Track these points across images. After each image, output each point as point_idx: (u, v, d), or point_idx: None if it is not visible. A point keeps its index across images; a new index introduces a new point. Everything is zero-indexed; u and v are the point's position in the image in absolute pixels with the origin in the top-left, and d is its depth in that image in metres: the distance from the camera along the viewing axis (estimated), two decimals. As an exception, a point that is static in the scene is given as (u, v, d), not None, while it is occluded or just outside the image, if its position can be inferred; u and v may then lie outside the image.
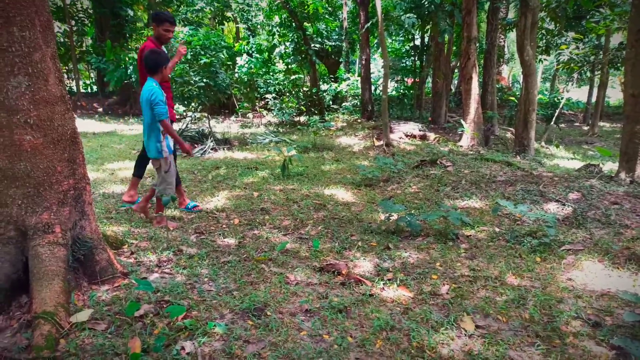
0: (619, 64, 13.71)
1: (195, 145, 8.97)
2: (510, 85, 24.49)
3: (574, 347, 2.41)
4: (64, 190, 2.80)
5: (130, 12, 16.85)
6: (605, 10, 9.45)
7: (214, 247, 3.78)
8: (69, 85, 20.78)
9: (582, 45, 12.52)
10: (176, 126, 11.76)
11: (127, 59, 15.22)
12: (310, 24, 14.74)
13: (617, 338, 2.41)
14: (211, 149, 8.65)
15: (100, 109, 16.65)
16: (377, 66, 21.08)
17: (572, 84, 15.68)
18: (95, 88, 21.57)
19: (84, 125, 12.68)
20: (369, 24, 12.61)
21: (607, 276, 3.23)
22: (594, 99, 17.25)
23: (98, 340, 2.35)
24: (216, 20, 19.94)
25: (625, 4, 8.47)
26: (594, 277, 3.22)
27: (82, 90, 20.52)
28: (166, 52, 4.65)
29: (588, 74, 15.95)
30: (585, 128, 16.99)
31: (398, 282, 3.18)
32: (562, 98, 14.34)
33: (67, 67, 20.03)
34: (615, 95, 26.41)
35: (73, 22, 17.94)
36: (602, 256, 3.52)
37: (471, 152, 8.24)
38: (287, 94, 15.29)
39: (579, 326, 2.61)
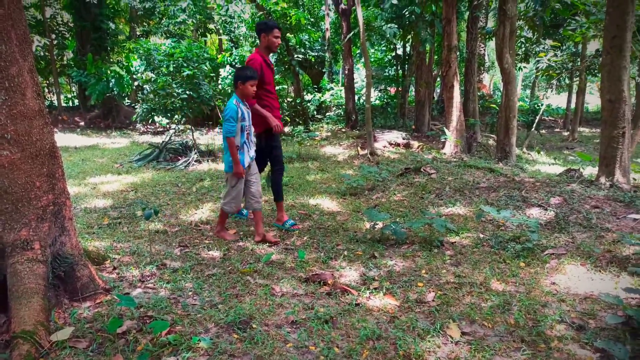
0: (595, 71, 14.02)
1: (179, 157, 8.91)
2: (492, 92, 24.84)
3: (559, 351, 2.42)
4: (43, 206, 2.75)
5: (112, 25, 16.75)
6: (581, 18, 9.68)
7: (198, 260, 3.74)
8: (49, 99, 20.55)
9: (560, 52, 12.77)
10: (159, 139, 11.69)
11: (108, 72, 15.11)
12: (292, 35, 14.81)
13: (600, 341, 2.44)
14: (195, 161, 8.60)
15: (82, 123, 16.46)
16: (360, 76, 21.24)
17: (552, 91, 15.97)
18: (76, 102, 21.33)
19: (66, 139, 12.52)
20: (351, 34, 12.72)
21: (589, 279, 3.27)
22: (573, 105, 17.57)
23: (79, 358, 2.30)
24: (199, 32, 19.93)
25: (600, 12, 8.67)
26: (577, 281, 3.25)
27: (64, 104, 20.27)
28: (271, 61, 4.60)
29: (567, 80, 16.27)
30: (565, 133, 17.27)
31: (384, 290, 3.18)
32: (542, 105, 14.58)
33: (47, 81, 19.82)
34: (593, 101, 26.97)
35: (53, 36, 17.77)
36: (585, 260, 3.56)
37: (454, 159, 8.31)
38: (271, 104, 15.28)
39: (564, 330, 2.63)
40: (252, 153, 4.24)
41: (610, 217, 4.48)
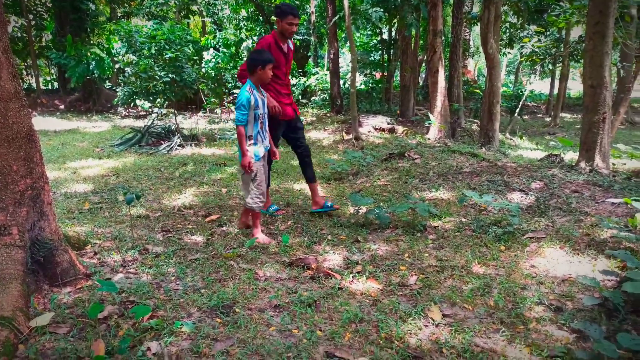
0: (578, 57, 14.13)
1: (162, 142, 8.81)
2: (476, 78, 24.94)
3: (537, 332, 2.47)
4: (21, 190, 2.70)
5: (92, 6, 16.33)
6: (565, 4, 9.71)
7: (181, 245, 3.72)
8: (28, 81, 20.07)
9: (543, 38, 12.84)
10: (141, 123, 11.53)
11: (89, 54, 14.78)
12: (277, 18, 14.63)
13: (577, 322, 2.49)
14: (178, 146, 8.51)
15: (62, 106, 16.14)
16: (345, 60, 21.14)
17: (535, 77, 16.10)
18: (56, 84, 20.88)
19: (45, 123, 12.28)
20: (336, 18, 12.60)
21: (568, 262, 3.33)
22: (555, 91, 17.75)
23: (59, 344, 2.28)
24: (181, 14, 19.56)
25: (583, -2, 8.71)
26: (555, 264, 3.31)
27: (42, 87, 19.84)
28: (291, 46, 4.40)
29: (550, 66, 16.40)
30: (548, 119, 17.46)
31: (367, 274, 3.20)
32: (525, 90, 14.69)
33: (25, 63, 19.35)
34: (575, 87, 27.23)
35: (31, 16, 17.29)
36: (564, 243, 3.62)
37: (438, 144, 8.36)
38: (256, 88, 15.14)
39: (542, 311, 2.68)
40: (267, 143, 3.97)
41: (589, 201, 4.56)
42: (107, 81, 18.08)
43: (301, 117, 12.53)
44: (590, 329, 2.27)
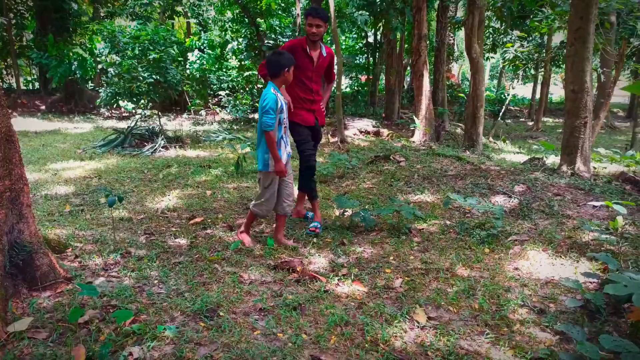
0: (560, 62, 14.37)
1: (145, 143, 8.71)
2: (460, 82, 25.20)
3: (521, 334, 2.49)
4: (-1, 192, 2.63)
5: (75, 6, 16.10)
6: (547, 9, 9.87)
7: (164, 248, 3.67)
8: (8, 81, 19.69)
9: (526, 43, 13.03)
10: (124, 124, 11.39)
11: (71, 54, 14.56)
12: (263, 20, 14.60)
13: (560, 324, 2.52)
14: (162, 147, 8.41)
15: (43, 107, 15.86)
16: (330, 63, 21.15)
17: (518, 81, 16.33)
18: (37, 85, 20.52)
19: (25, 123, 12.05)
20: (322, 21, 12.61)
21: (550, 265, 3.37)
22: (538, 96, 18.01)
23: (39, 349, 2.23)
24: (166, 15, 19.38)
25: (565, 4, 8.86)
26: (538, 266, 3.35)
27: (23, 87, 19.48)
28: (324, 53, 4.17)
29: (532, 71, 16.64)
30: (530, 123, 17.71)
31: (352, 277, 3.19)
32: (508, 94, 14.88)
33: (5, 63, 18.96)
34: (557, 91, 27.67)
35: (12, 15, 16.97)
36: (546, 245, 3.67)
37: (423, 148, 8.41)
38: (241, 90, 15.10)
39: (525, 314, 2.70)
40: (289, 149, 3.82)
41: (571, 204, 4.62)
42: (90, 82, 17.83)
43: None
44: (573, 331, 2.30)
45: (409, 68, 18.49)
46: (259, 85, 15.27)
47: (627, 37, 9.14)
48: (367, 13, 11.73)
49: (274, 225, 4.01)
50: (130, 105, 13.36)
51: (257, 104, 13.95)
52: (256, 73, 16.82)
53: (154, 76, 8.76)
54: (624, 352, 2.05)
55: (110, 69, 10.07)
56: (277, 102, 3.53)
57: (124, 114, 14.75)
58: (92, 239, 3.78)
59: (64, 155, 7.78)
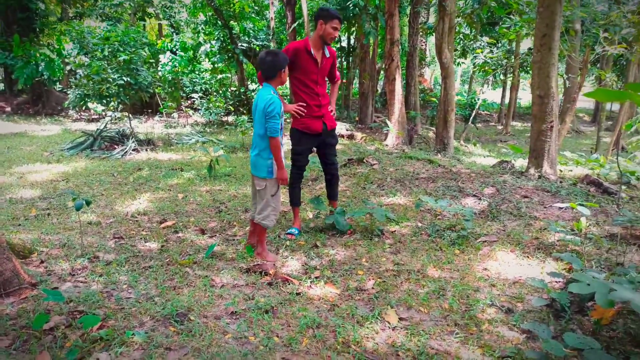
0: (528, 68, 14.74)
1: (115, 146, 8.54)
2: (432, 86, 25.58)
3: (489, 333, 2.54)
4: (-41, 196, 2.54)
5: (42, 5, 15.68)
6: (515, 17, 10.12)
7: (134, 252, 3.60)
8: (-30, 82, 19.03)
9: (495, 49, 13.34)
10: (94, 126, 11.15)
11: (38, 54, 14.18)
12: (236, 23, 14.53)
13: (527, 322, 2.58)
14: (133, 150, 8.27)
15: (8, 109, 15.39)
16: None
17: (488, 86, 16.68)
18: (2, 86, 19.90)
19: (-11, 125, 11.67)
20: (295, 24, 12.65)
21: (518, 265, 3.45)
22: (507, 100, 18.44)
23: (1, 357, 2.15)
24: (137, 16, 19.10)
25: (532, 12, 9.11)
26: (506, 266, 3.42)
27: (-13, 88, 18.86)
28: (327, 54, 3.98)
29: (501, 76, 17.02)
30: (500, 127, 18.11)
31: (325, 279, 3.20)
32: (478, 99, 15.19)
33: (-32, 63, 18.31)
34: (526, 96, 28.39)
35: (-26, 14, 16.41)
36: (514, 246, 3.75)
37: (396, 151, 8.50)
38: (214, 93, 14.98)
39: (494, 313, 2.76)
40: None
41: (538, 206, 4.74)
42: (58, 83, 17.40)
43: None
44: (539, 329, 2.35)
45: (382, 72, 18.70)
46: (232, 88, 15.18)
47: (591, 45, 9.45)
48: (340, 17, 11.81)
49: (249, 230, 3.94)
50: (99, 107, 13.11)
51: (230, 107, 13.89)
52: (229, 76, 16.73)
53: (124, 78, 8.61)
54: (587, 349, 2.11)
55: (79, 70, 9.86)
56: (282, 106, 3.43)
57: (93, 116, 14.43)
58: (58, 244, 3.68)
59: (30, 158, 7.57)
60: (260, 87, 3.58)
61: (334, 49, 4.53)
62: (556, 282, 3.13)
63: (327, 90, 4.21)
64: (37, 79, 14.55)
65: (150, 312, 2.65)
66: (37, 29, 15.69)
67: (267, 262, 3.47)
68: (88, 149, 8.33)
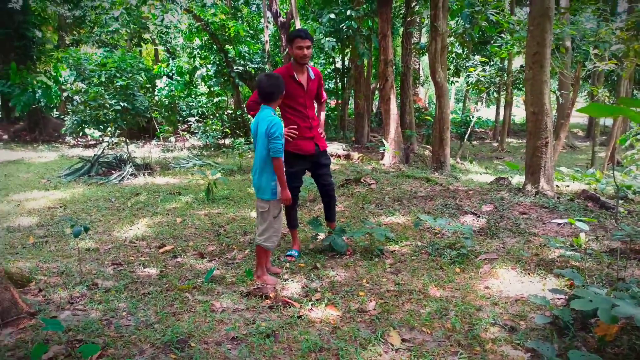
0: (521, 85, 14.92)
1: (113, 171, 8.54)
2: (427, 105, 25.81)
3: (493, 353, 2.52)
4: (-43, 226, 2.53)
5: (39, 34, 15.86)
6: (506, 35, 10.30)
7: (133, 279, 3.57)
8: (-33, 110, 19.07)
9: (488, 68, 13.51)
10: (91, 152, 11.16)
11: (35, 82, 14.28)
12: (232, 47, 14.70)
13: (530, 341, 2.56)
14: (130, 175, 8.27)
15: (5, 136, 15.41)
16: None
17: (482, 104, 16.85)
18: (-2, 113, 19.95)
19: (-14, 153, 11.67)
20: (290, 47, 12.78)
21: (519, 282, 3.43)
22: (501, 117, 18.60)
23: (-2, 390, 2.12)
24: (133, 42, 19.32)
25: (523, 30, 9.28)
26: (508, 284, 3.41)
27: (-16, 116, 18.90)
28: (312, 75, 4.05)
29: (495, 94, 17.21)
30: (495, 144, 18.22)
31: (326, 301, 3.18)
32: (473, 117, 15.32)
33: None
34: (520, 113, 28.65)
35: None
36: (515, 264, 3.74)
37: (393, 170, 8.53)
38: (211, 116, 15.07)
39: (497, 332, 2.74)
40: None
41: (536, 222, 4.75)
42: (55, 110, 17.49)
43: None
44: (542, 348, 2.34)
45: (376, 92, 18.89)
46: (228, 111, 15.27)
47: (582, 61, 9.59)
48: (334, 39, 11.98)
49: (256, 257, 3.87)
50: (96, 133, 13.14)
51: (227, 130, 13.96)
52: (226, 99, 16.86)
53: (121, 103, 8.66)
54: (592, 366, 2.10)
55: (76, 97, 9.92)
56: (283, 126, 3.47)
57: (90, 142, 14.47)
58: (56, 272, 3.66)
59: (28, 186, 7.55)
60: (254, 109, 3.60)
61: (319, 69, 4.56)
62: (558, 298, 3.12)
63: (315, 112, 4.25)
64: (34, 106, 14.62)
65: (150, 339, 2.62)
66: (34, 57, 15.84)
67: (268, 285, 3.46)
68: (85, 175, 8.33)
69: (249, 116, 15.00)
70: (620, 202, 5.72)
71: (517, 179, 7.53)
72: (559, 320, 2.75)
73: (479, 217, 4.97)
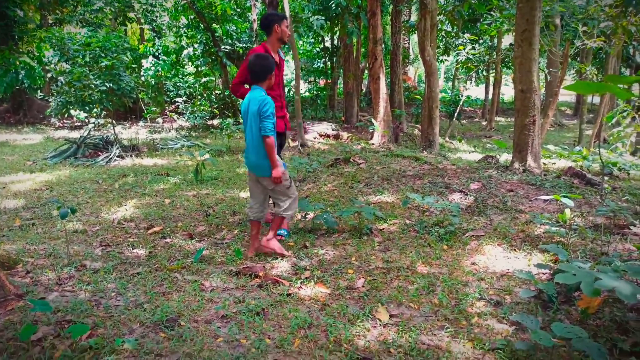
0: (510, 63, 14.90)
1: (99, 153, 8.45)
2: (416, 84, 25.73)
3: (479, 327, 2.57)
4: (-60, 208, 2.50)
5: (20, 13, 15.44)
6: (496, 13, 10.24)
7: (121, 260, 3.57)
8: (-51, 92, 18.67)
9: (477, 46, 13.47)
10: (77, 134, 11.02)
11: (17, 63, 13.97)
12: (219, 26, 14.45)
13: (515, 314, 2.61)
14: (117, 157, 8.19)
15: (-12, 118, 15.14)
16: (289, 67, 21.18)
17: (471, 83, 16.85)
18: (-19, 95, 19.55)
19: (-31, 136, 11.47)
20: (278, 26, 12.61)
21: (505, 258, 3.48)
22: (490, 96, 18.60)
23: (-12, 371, 2.13)
24: (118, 21, 18.90)
25: (512, 8, 9.22)
26: (494, 260, 3.46)
27: (-34, 98, 18.52)
28: (282, 55, 4.15)
29: (484, 72, 17.18)
30: (484, 123, 18.26)
31: (315, 279, 3.21)
32: (462, 96, 15.31)
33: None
34: (509, 92, 28.68)
35: (-49, 23, 16.11)
36: (501, 240, 3.79)
37: (382, 149, 8.53)
38: (199, 97, 14.88)
39: (483, 306, 2.78)
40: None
41: (523, 199, 4.80)
42: (39, 91, 17.17)
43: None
44: (527, 321, 2.38)
45: (366, 71, 18.77)
46: (216, 92, 15.10)
47: (570, 39, 9.59)
48: (323, 17, 11.84)
49: (252, 234, 3.85)
50: (82, 115, 12.96)
51: (215, 110, 13.82)
52: (213, 79, 16.64)
53: (106, 84, 8.51)
54: (575, 338, 2.14)
55: (60, 78, 9.74)
56: (274, 105, 3.50)
57: (76, 124, 14.26)
58: (44, 254, 3.64)
59: (13, 168, 7.45)
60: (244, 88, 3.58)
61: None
62: (543, 273, 3.18)
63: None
64: (17, 88, 14.35)
65: (139, 318, 2.63)
66: (16, 37, 15.44)
67: (276, 253, 3.62)
68: (72, 157, 8.22)
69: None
70: (606, 178, 5.79)
71: (505, 157, 7.57)
72: (543, 294, 2.81)
73: (466, 195, 5.01)
